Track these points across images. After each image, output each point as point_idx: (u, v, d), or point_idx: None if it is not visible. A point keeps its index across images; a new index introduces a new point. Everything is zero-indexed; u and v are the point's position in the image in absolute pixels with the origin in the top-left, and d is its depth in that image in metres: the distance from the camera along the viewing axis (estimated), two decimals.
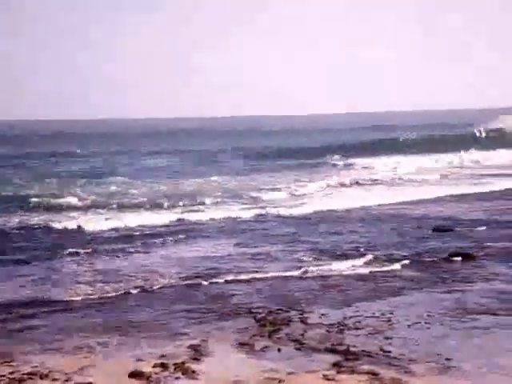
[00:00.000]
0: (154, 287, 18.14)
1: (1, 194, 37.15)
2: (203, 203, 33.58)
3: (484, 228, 25.38)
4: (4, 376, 11.72)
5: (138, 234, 26.18)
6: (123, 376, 11.68)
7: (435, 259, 20.68)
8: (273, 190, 38.94)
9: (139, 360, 12.54)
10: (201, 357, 12.73)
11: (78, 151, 76.83)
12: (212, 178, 45.37)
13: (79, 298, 17.17)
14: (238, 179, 45.31)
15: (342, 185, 42.49)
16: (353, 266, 20.02)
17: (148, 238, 25.29)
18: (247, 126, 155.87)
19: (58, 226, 27.61)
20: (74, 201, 34.25)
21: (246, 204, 33.64)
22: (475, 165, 55.06)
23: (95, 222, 28.04)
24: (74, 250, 22.73)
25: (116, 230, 27.02)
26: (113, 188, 40.53)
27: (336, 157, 60.72)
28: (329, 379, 11.54)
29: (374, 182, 44.22)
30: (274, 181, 43.96)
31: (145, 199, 34.85)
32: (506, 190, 37.77)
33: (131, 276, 19.31)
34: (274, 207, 32.14)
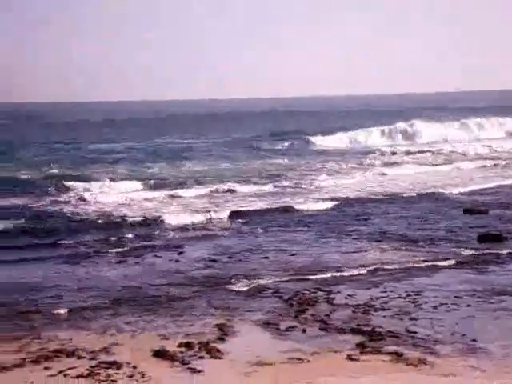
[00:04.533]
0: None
1: None
2: None
3: None
4: (32, 353, 11.95)
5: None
6: (148, 355, 11.82)
7: (464, 239, 20.53)
8: None
9: (165, 339, 12.68)
10: (226, 336, 12.82)
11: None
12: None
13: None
14: None
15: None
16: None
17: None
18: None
19: None
20: None
21: None
22: None
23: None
24: None
25: None
26: None
27: None
28: (353, 359, 11.56)
29: None
30: None
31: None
32: None
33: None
34: None
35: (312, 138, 58.95)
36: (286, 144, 57.70)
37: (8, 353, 11.98)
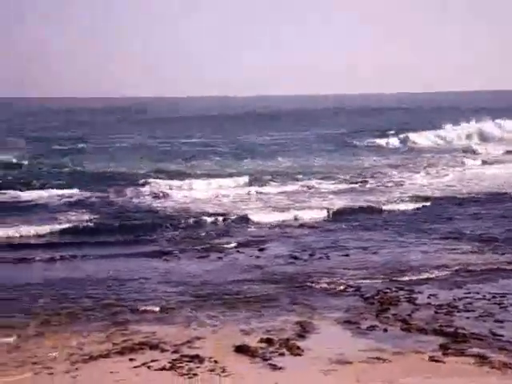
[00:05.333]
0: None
1: None
2: None
3: None
4: (117, 344, 12.28)
5: None
6: (230, 350, 11.97)
7: None
8: None
9: (246, 334, 12.81)
10: (306, 333, 12.85)
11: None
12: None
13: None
14: None
15: None
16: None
17: None
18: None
19: None
20: None
21: None
22: None
23: None
24: None
25: None
26: None
27: None
28: (435, 360, 11.39)
29: None
30: None
31: None
32: None
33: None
34: None
35: (405, 135, 58.15)
36: (380, 141, 56.88)
37: (95, 343, 12.37)
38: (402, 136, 58.32)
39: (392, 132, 61.48)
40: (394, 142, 56.96)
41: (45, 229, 22.79)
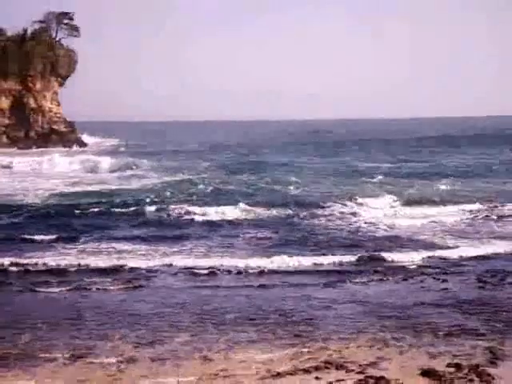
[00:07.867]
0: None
1: None
2: None
3: None
4: (303, 361, 12.42)
5: None
6: (416, 373, 11.74)
7: None
8: None
9: (432, 358, 12.51)
10: (497, 360, 12.33)
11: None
12: None
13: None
14: None
15: None
16: None
17: None
18: None
19: None
20: None
21: None
22: None
23: None
24: None
25: None
26: None
27: None
28: None
29: None
30: None
31: None
32: None
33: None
34: None
35: None
36: None
37: (281, 360, 12.58)
38: None
39: None
40: None
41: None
